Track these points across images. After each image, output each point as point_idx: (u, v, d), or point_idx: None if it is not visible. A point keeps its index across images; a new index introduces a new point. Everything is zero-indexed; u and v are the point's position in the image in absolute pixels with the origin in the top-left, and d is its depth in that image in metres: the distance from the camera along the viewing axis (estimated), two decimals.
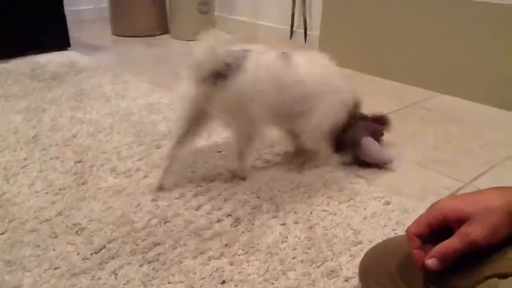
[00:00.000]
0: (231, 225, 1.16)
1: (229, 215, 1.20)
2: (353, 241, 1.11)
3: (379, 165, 1.47)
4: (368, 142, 1.45)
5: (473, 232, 0.60)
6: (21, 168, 1.41)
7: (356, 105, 1.44)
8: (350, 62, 2.51)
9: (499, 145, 1.66)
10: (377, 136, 1.51)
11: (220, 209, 1.23)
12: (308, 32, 3.02)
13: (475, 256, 0.61)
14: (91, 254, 1.05)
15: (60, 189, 1.30)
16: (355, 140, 1.44)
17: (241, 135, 1.33)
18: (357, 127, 1.44)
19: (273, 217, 1.20)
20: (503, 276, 0.57)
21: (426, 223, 0.66)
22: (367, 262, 0.84)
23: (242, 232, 1.14)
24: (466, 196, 0.65)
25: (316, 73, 1.35)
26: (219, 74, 1.18)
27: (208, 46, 1.18)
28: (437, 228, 0.65)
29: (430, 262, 0.63)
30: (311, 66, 1.35)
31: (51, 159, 1.47)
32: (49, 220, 1.17)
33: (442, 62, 2.17)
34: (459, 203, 0.64)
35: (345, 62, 2.51)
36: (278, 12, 3.20)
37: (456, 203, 0.64)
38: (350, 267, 1.02)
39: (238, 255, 1.06)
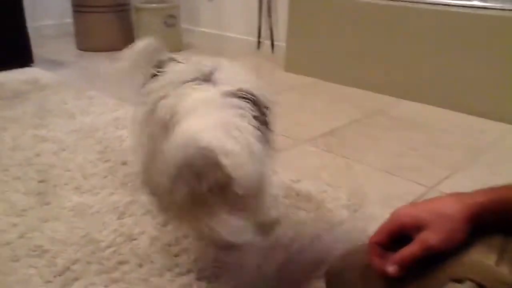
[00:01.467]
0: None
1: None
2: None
3: None
4: None
5: (430, 238, 0.61)
6: None
7: None
8: (316, 70, 2.54)
9: (460, 149, 1.70)
10: None
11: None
12: (275, 42, 3.04)
13: (433, 262, 0.62)
14: (54, 276, 1.02)
15: (22, 211, 1.26)
16: None
17: None
18: None
19: None
20: (459, 280, 0.58)
21: (386, 232, 0.67)
22: (332, 271, 0.85)
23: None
24: (424, 203, 0.67)
25: None
26: None
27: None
28: (397, 236, 0.66)
29: (390, 269, 0.64)
30: None
31: (13, 179, 1.43)
32: (10, 243, 1.13)
33: (404, 68, 2.22)
34: (416, 211, 0.65)
35: (311, 71, 2.55)
36: (244, 24, 3.22)
37: (414, 211, 0.66)
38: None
39: (207, 270, 1.05)
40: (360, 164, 1.56)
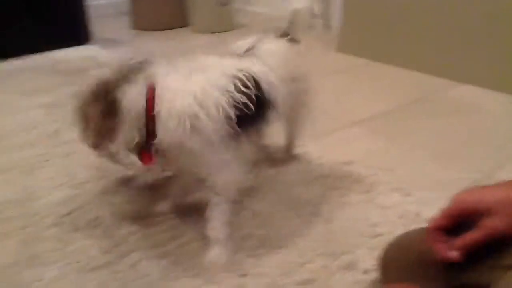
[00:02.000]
0: (249, 218, 1.17)
1: (247, 208, 1.21)
2: (371, 233, 1.10)
3: None
4: None
5: (493, 223, 0.60)
6: (43, 162, 1.44)
7: None
8: (369, 51, 2.48)
9: None
10: None
11: (238, 202, 1.23)
12: (328, 22, 2.99)
13: (495, 248, 0.61)
14: (112, 247, 1.07)
15: (81, 183, 1.32)
16: None
17: None
18: None
19: (290, 209, 1.20)
20: None
21: (447, 217, 0.66)
22: (387, 255, 0.84)
23: (260, 225, 1.14)
24: (486, 188, 0.65)
25: None
26: None
27: None
28: (458, 221, 0.65)
29: (453, 254, 0.63)
30: None
31: (72, 153, 1.49)
32: (70, 214, 1.19)
33: (462, 50, 2.13)
34: (479, 196, 0.63)
35: (363, 52, 2.50)
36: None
37: (476, 196, 0.64)
38: (369, 260, 1.01)
39: (257, 248, 1.06)
40: (412, 149, 1.53)
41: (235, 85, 0.99)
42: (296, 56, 1.23)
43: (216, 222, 1.04)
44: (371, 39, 2.49)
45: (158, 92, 0.94)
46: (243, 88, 1.00)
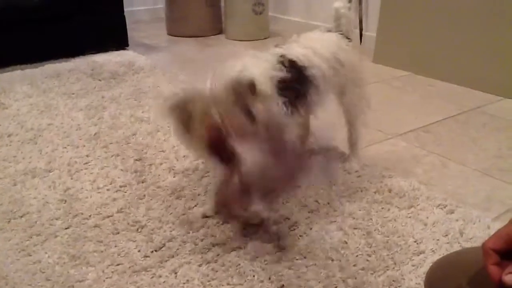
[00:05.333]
0: (288, 228, 1.15)
1: (287, 218, 1.19)
2: (415, 250, 1.08)
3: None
4: None
5: None
6: (84, 164, 1.45)
7: None
8: (406, 63, 2.45)
9: None
10: None
11: (277, 211, 1.22)
12: (363, 32, 2.97)
13: None
14: (152, 251, 1.07)
15: (121, 186, 1.33)
16: None
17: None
18: None
19: (331, 222, 1.18)
20: None
21: (505, 238, 0.63)
22: (434, 275, 0.81)
23: (300, 236, 1.13)
24: None
25: None
26: None
27: None
28: None
29: (508, 278, 0.60)
30: None
31: (112, 156, 1.51)
32: (110, 216, 1.20)
33: (504, 64, 2.08)
34: None
35: (401, 63, 2.47)
36: (331, 12, 3.15)
37: None
38: (413, 277, 0.99)
39: (297, 259, 1.05)
40: (457, 164, 1.49)
41: (274, 68, 1.07)
42: (340, 42, 1.29)
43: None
44: (409, 50, 2.46)
45: None
46: (281, 72, 1.07)
